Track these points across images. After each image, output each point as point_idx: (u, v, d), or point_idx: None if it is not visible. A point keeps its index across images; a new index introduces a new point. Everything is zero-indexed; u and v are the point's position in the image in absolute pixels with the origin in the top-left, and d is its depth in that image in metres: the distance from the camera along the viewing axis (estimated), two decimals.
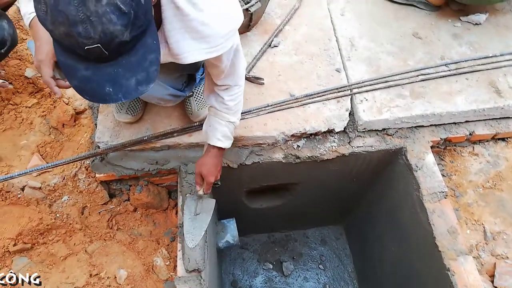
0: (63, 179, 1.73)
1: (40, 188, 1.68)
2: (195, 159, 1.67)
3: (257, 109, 1.71)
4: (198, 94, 1.65)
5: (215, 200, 1.54)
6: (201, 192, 1.48)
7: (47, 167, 1.62)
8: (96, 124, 1.73)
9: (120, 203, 1.78)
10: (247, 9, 1.77)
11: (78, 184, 1.74)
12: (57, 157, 1.77)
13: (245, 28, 1.90)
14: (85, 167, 1.77)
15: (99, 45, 0.75)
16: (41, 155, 1.76)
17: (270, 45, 1.92)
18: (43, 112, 1.88)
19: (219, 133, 1.39)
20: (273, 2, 2.04)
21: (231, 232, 1.92)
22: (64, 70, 0.85)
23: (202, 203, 1.51)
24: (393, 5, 2.08)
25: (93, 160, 1.69)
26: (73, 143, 1.83)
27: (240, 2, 1.83)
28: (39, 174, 1.71)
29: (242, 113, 1.68)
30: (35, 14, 1.08)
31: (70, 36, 0.74)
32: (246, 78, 1.79)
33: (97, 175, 1.70)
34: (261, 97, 1.76)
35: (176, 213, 1.80)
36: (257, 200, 2.21)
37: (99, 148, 1.63)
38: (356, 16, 2.04)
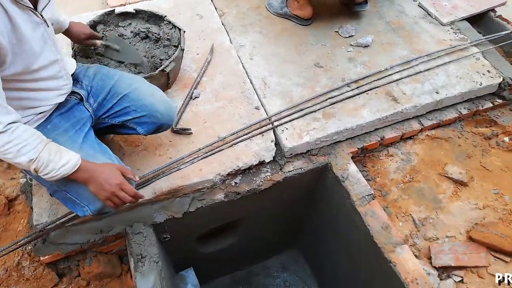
0: (6, 271, 1.67)
1: None
2: (139, 218, 1.71)
3: (190, 156, 1.81)
4: None
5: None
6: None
7: None
8: (31, 208, 1.72)
9: (71, 280, 1.74)
10: (163, 70, 1.91)
11: (23, 272, 1.69)
12: None
13: (165, 86, 2.04)
14: (27, 253, 1.73)
15: None
16: None
17: (191, 97, 2.06)
18: None
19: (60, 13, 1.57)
20: (187, 58, 2.21)
21: (191, 282, 1.94)
22: None
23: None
24: (294, 42, 2.34)
25: (35, 244, 1.66)
26: (11, 232, 1.79)
27: (156, 64, 1.97)
28: None
29: (177, 163, 1.78)
30: (79, 158, 1.20)
31: None
32: (175, 131, 1.91)
33: (41, 258, 1.67)
34: (191, 146, 1.87)
35: (131, 276, 1.79)
36: (210, 244, 2.25)
37: (39, 231, 1.61)
38: (263, 58, 2.27)
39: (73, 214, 1.61)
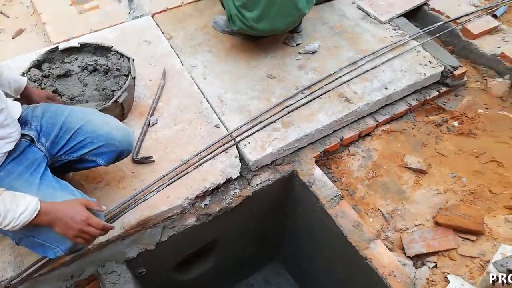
0: None
1: None
2: (111, 256, 1.66)
3: (155, 184, 1.79)
4: None
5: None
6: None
7: None
8: None
9: None
10: (116, 101, 1.88)
11: None
12: None
13: (120, 117, 2.00)
14: None
15: None
16: None
17: (149, 124, 2.04)
18: None
19: (16, 75, 1.59)
20: (139, 86, 2.19)
21: None
22: None
23: None
24: (244, 57, 2.38)
25: None
26: None
27: (108, 96, 1.94)
28: None
29: (142, 193, 1.75)
30: (37, 201, 1.17)
31: None
32: (136, 162, 1.87)
33: None
34: (155, 174, 1.84)
35: None
36: (188, 271, 2.21)
37: (4, 287, 1.53)
38: (216, 76, 2.28)
39: (40, 263, 1.54)
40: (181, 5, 2.68)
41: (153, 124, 2.05)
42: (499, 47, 2.45)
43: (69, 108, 1.54)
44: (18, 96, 1.61)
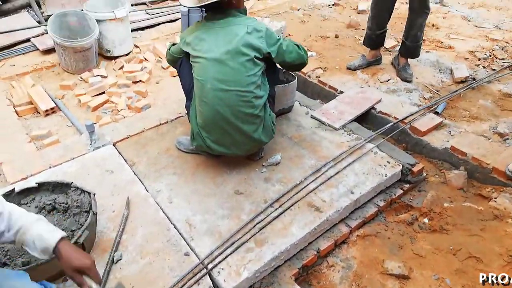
0: None
1: None
2: None
3: None
4: None
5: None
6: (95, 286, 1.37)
7: None
8: None
9: None
10: (76, 242, 1.75)
11: None
12: None
13: None
14: None
15: None
16: None
17: (113, 262, 1.89)
18: None
19: (45, 230, 1.37)
20: (102, 219, 2.09)
21: None
22: None
23: None
24: (210, 175, 2.38)
25: None
26: None
27: (68, 236, 1.81)
28: None
29: None
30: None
31: None
32: None
33: None
34: None
35: None
36: None
37: None
38: (183, 199, 2.24)
39: None
40: (143, 131, 2.74)
41: (118, 260, 1.90)
42: (448, 141, 2.63)
43: None
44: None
